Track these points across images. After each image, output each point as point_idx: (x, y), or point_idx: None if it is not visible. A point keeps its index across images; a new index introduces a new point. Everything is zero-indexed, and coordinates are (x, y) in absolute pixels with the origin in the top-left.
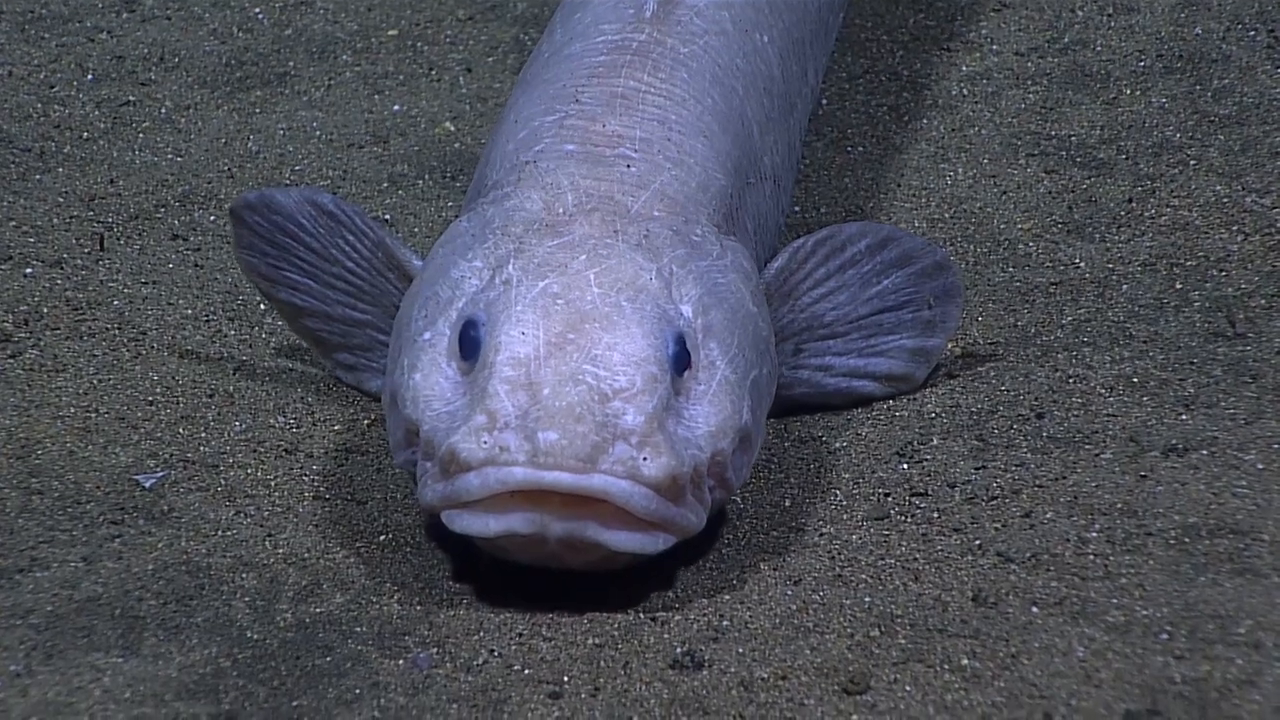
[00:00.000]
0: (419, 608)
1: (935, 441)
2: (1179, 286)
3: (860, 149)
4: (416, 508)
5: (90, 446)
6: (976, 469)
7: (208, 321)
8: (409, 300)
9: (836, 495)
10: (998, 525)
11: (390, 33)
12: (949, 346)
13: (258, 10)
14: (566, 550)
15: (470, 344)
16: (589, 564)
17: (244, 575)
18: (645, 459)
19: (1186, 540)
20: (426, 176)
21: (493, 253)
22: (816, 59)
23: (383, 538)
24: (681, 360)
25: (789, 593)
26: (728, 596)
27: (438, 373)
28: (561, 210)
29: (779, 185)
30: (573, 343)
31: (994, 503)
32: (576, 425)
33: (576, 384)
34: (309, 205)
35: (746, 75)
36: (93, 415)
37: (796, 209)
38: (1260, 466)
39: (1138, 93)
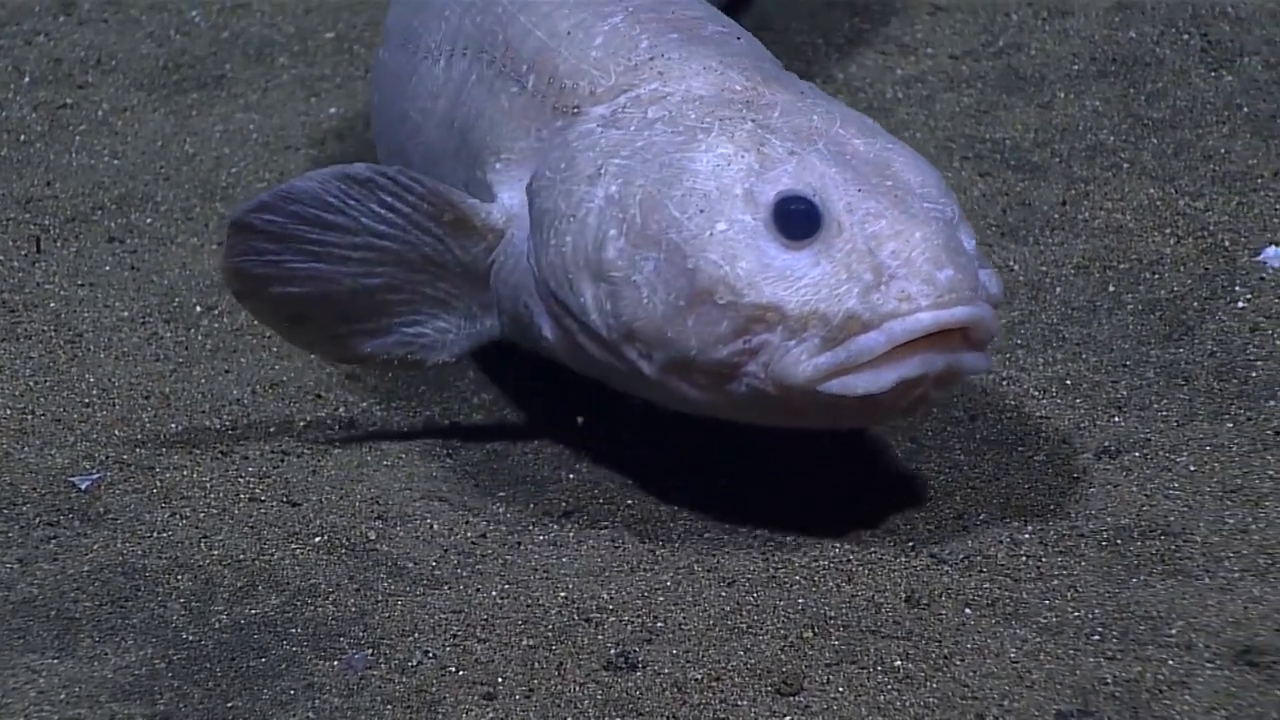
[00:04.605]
0: (354, 609)
1: (868, 443)
2: (1112, 289)
3: None
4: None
5: (26, 448)
6: (910, 471)
7: (144, 324)
8: (646, 208)
9: (769, 497)
10: (931, 527)
11: (327, 35)
12: None
13: (195, 13)
14: (934, 387)
15: (796, 218)
16: (930, 400)
17: (179, 577)
18: (990, 280)
19: (1119, 542)
20: None
21: (733, 132)
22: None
23: (318, 539)
24: None
25: (723, 594)
26: (661, 598)
27: (765, 255)
28: (739, 87)
29: None
30: (901, 188)
31: (927, 504)
32: (960, 258)
33: (937, 221)
34: (337, 181)
35: None
36: (28, 417)
37: None
38: (1192, 469)
39: (1071, 96)
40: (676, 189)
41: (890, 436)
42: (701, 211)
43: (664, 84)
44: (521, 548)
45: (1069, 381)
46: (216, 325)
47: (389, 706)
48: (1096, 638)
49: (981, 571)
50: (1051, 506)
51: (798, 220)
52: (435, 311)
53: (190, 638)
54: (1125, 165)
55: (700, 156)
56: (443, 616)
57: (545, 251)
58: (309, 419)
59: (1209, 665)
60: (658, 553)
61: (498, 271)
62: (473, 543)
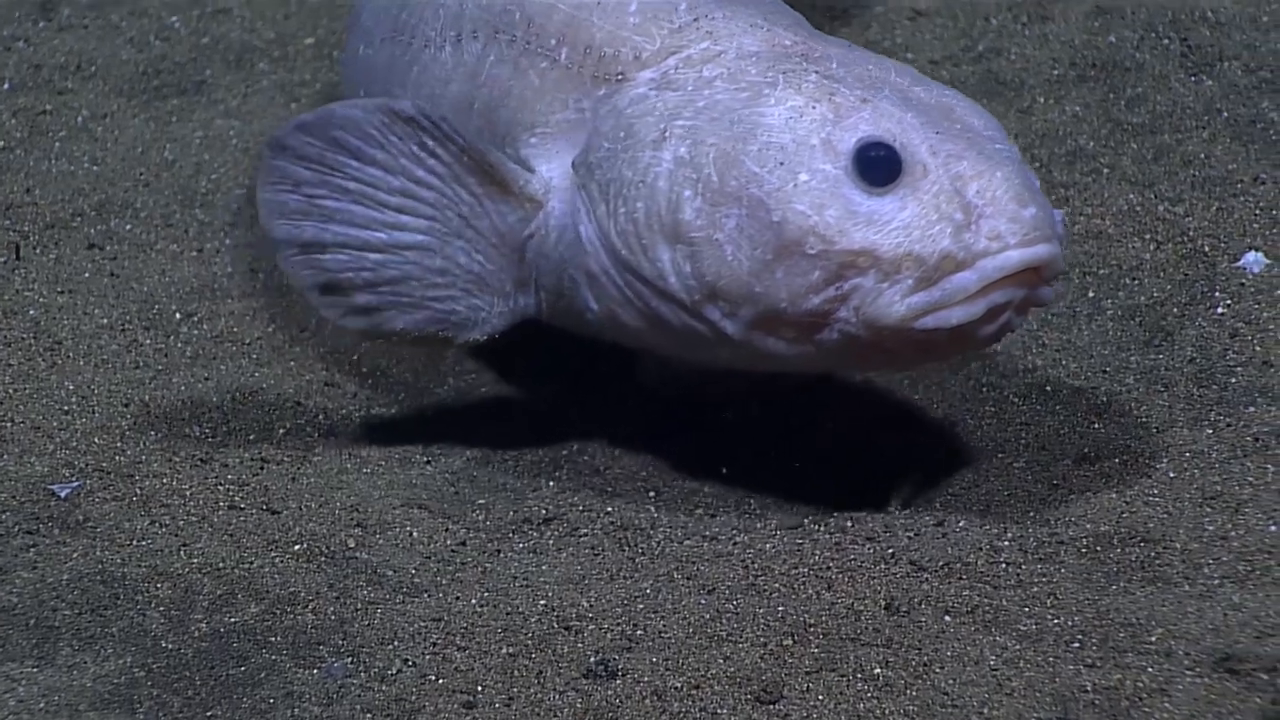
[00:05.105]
0: (333, 617)
1: (848, 450)
2: (1092, 295)
3: None
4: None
5: (5, 456)
6: (890, 478)
7: (123, 331)
8: (722, 166)
9: (750, 504)
10: (911, 534)
11: (307, 41)
12: None
13: (174, 19)
14: (1015, 315)
15: (878, 164)
16: (1010, 329)
17: (158, 585)
18: (1060, 218)
19: (1098, 549)
20: None
21: (800, 84)
22: None
23: (297, 547)
24: None
25: (703, 602)
26: (641, 605)
27: (851, 202)
28: (789, 43)
29: None
30: (972, 132)
31: (907, 511)
32: (1039, 196)
33: (1012, 161)
34: (381, 114)
35: None
36: (8, 425)
37: None
38: (1172, 475)
39: (1052, 101)
40: (752, 144)
41: (870, 443)
42: (781, 164)
43: (714, 43)
44: (501, 555)
45: (1049, 388)
46: (196, 333)
47: (368, 715)
48: (1076, 645)
49: (961, 579)
50: (1031, 513)
51: (879, 166)
52: (469, 287)
53: (169, 646)
54: (1105, 170)
55: (771, 110)
56: (422, 625)
57: (614, 221)
58: (288, 426)
59: (1188, 672)
60: (637, 560)
61: (537, 246)
62: (452, 550)
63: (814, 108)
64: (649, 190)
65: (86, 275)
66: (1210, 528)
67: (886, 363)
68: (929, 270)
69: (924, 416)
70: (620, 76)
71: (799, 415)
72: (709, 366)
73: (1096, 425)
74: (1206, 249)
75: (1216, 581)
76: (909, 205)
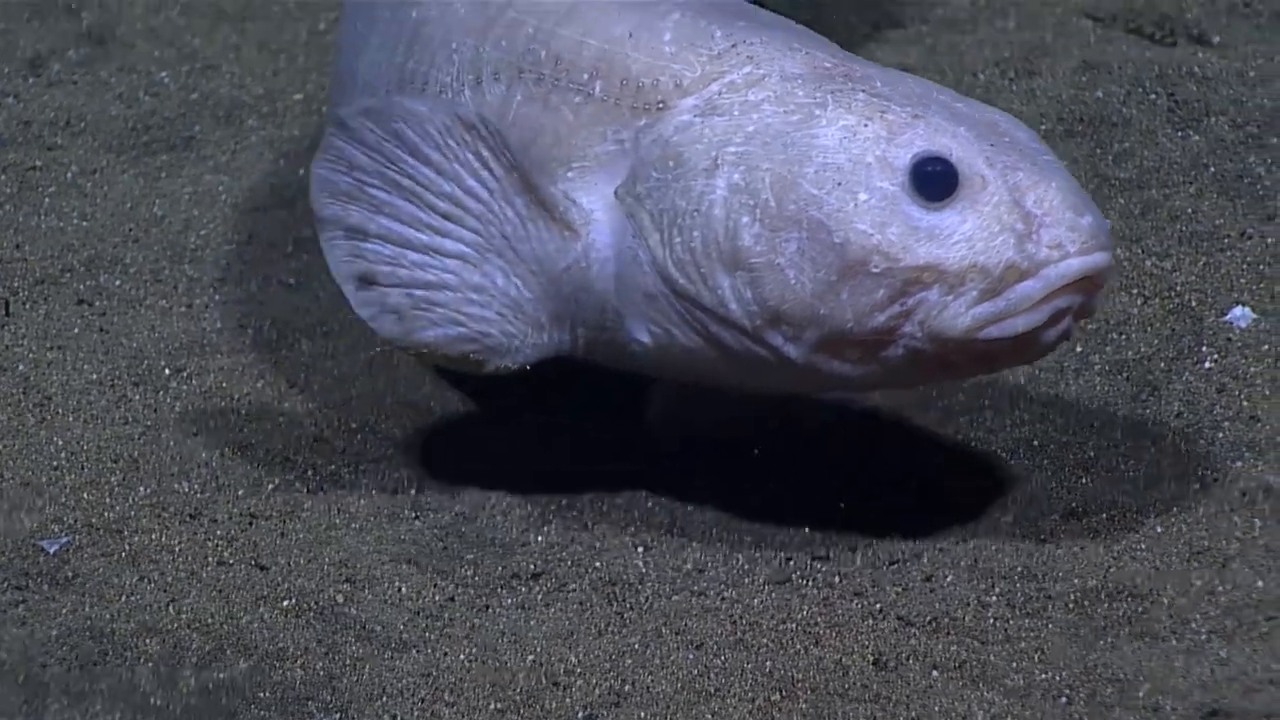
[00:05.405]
0: (322, 673)
1: (837, 505)
2: (1079, 350)
3: None
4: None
5: None
6: (878, 532)
7: (112, 386)
8: (779, 191)
9: (738, 559)
10: (899, 589)
11: (296, 96)
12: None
13: (164, 75)
14: (1074, 320)
15: (935, 179)
16: (1069, 336)
17: (147, 641)
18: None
19: (1086, 604)
20: None
21: (850, 104)
22: None
23: (286, 603)
24: None
25: (690, 657)
26: (629, 661)
27: (909, 219)
28: (828, 65)
29: None
30: (1021, 145)
31: (895, 566)
32: (1093, 205)
33: (1065, 173)
34: (445, 115)
35: None
36: None
37: None
38: (1159, 530)
39: None
40: (808, 166)
41: (858, 499)
42: (839, 185)
43: (757, 67)
44: (489, 611)
45: (1036, 443)
46: (185, 388)
47: None
48: (1064, 700)
49: (949, 634)
50: (1019, 568)
51: (936, 180)
52: (505, 311)
53: (158, 702)
54: None
55: (824, 131)
56: (411, 680)
57: (669, 251)
58: (277, 482)
59: None
60: (625, 615)
61: (578, 279)
62: (441, 606)
63: (867, 126)
64: (704, 219)
65: (76, 331)
66: (1198, 583)
67: (949, 375)
68: (993, 281)
69: (912, 471)
70: (661, 105)
71: (793, 462)
72: (762, 395)
73: (1084, 480)
74: (1194, 304)
75: (1204, 637)
76: (969, 218)
